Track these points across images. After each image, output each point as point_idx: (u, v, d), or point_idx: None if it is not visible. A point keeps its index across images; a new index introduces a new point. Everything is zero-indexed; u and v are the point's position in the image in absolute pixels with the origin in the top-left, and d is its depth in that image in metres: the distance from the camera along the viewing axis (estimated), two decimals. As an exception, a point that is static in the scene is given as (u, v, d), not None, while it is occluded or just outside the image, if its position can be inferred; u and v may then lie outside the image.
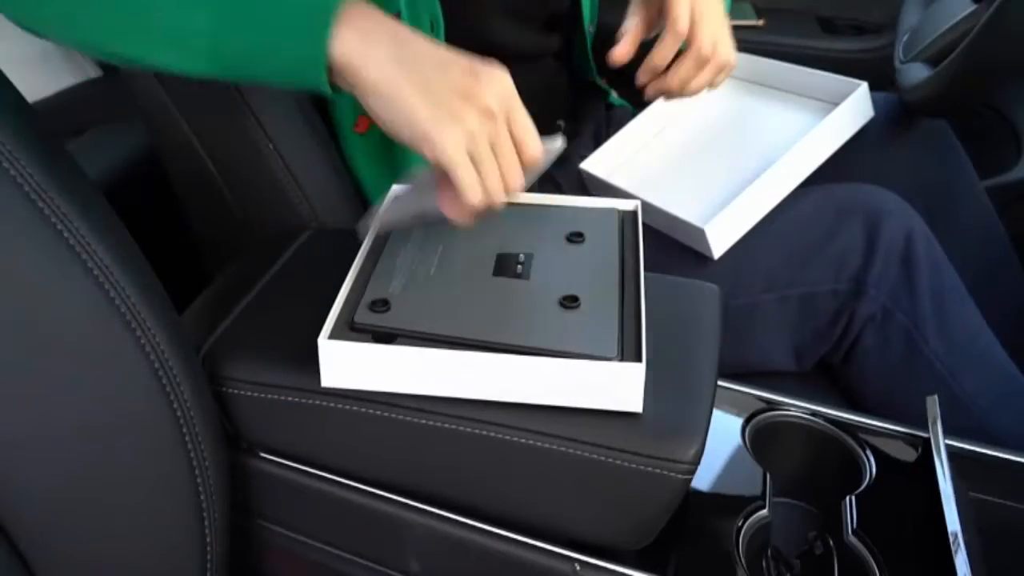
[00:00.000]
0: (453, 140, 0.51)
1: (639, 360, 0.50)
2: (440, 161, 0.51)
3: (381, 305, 0.55)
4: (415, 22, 0.72)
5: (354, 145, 0.79)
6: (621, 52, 0.72)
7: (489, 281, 0.58)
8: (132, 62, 0.55)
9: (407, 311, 0.55)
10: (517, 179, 0.54)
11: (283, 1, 0.52)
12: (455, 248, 0.61)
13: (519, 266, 0.59)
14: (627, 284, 0.58)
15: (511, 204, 0.68)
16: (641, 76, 0.72)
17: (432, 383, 0.53)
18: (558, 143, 0.60)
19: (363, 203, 0.81)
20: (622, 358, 0.51)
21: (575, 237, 0.63)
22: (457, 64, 0.52)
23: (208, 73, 0.54)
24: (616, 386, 0.50)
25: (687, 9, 0.69)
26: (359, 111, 0.76)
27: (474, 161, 0.52)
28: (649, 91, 0.73)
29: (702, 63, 0.70)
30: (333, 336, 0.53)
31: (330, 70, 0.52)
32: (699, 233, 0.77)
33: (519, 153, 0.54)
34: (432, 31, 0.74)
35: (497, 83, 0.52)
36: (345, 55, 0.51)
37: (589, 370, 0.50)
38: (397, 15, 0.71)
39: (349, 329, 0.54)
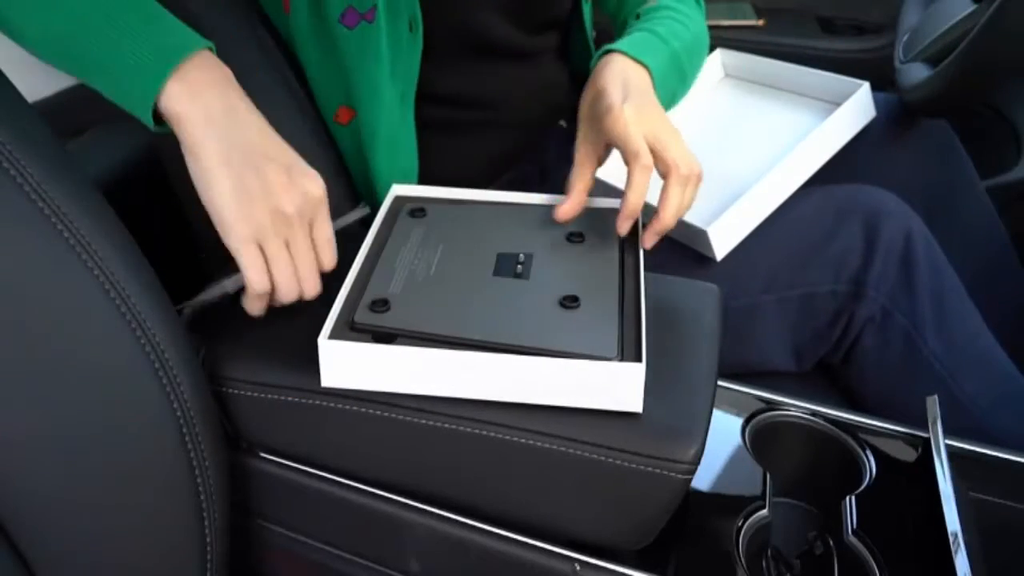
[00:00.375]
0: (241, 229, 0.53)
1: (639, 360, 0.50)
2: (228, 244, 0.53)
3: (381, 305, 0.55)
4: (393, 21, 0.71)
5: (337, 136, 0.79)
6: (569, 211, 0.64)
7: (489, 281, 0.58)
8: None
9: (407, 311, 0.55)
10: (312, 281, 0.56)
11: (134, 32, 0.53)
12: (455, 248, 0.61)
13: (519, 266, 0.59)
14: (627, 284, 0.58)
15: (511, 204, 0.68)
16: (622, 226, 0.63)
17: (432, 383, 0.53)
18: (358, 213, 0.69)
19: (360, 201, 0.81)
20: (622, 358, 0.51)
21: (575, 237, 0.63)
22: (276, 161, 0.54)
23: (51, 62, 0.56)
24: (616, 386, 0.50)
25: (641, 139, 0.61)
26: (339, 101, 0.75)
27: (266, 256, 0.54)
28: (649, 243, 0.63)
29: (685, 183, 0.63)
30: (333, 336, 0.53)
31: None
32: (702, 235, 0.77)
33: (317, 258, 0.57)
34: (411, 31, 0.72)
35: (306, 191, 0.55)
36: (170, 108, 0.53)
37: (589, 370, 0.50)
38: (373, 10, 0.70)
39: (349, 329, 0.54)
